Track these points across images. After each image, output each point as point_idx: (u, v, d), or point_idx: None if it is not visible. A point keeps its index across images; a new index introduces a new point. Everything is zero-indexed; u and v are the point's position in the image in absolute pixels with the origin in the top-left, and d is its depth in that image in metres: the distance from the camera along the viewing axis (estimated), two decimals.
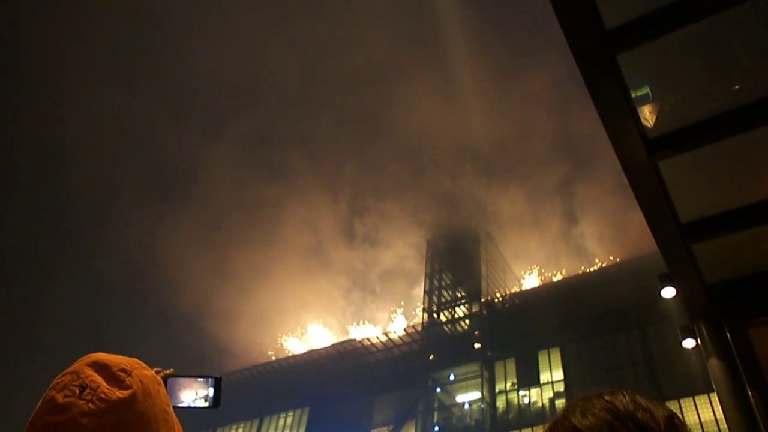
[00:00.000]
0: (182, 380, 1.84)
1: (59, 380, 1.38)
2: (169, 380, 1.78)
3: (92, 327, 78.54)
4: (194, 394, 1.84)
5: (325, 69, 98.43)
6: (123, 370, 1.41)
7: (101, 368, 1.40)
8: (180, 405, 1.81)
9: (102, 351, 1.51)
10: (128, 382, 1.39)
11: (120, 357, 1.48)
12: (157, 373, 1.65)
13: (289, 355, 58.17)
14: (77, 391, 1.34)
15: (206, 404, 1.84)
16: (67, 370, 1.41)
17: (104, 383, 1.37)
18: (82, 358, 1.45)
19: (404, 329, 49.31)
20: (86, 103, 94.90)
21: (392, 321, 59.19)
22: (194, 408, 1.84)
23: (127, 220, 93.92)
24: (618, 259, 47.12)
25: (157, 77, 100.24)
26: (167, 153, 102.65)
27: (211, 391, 1.85)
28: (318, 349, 54.49)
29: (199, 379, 1.86)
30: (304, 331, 64.72)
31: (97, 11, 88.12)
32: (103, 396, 1.34)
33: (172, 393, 1.76)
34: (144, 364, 1.52)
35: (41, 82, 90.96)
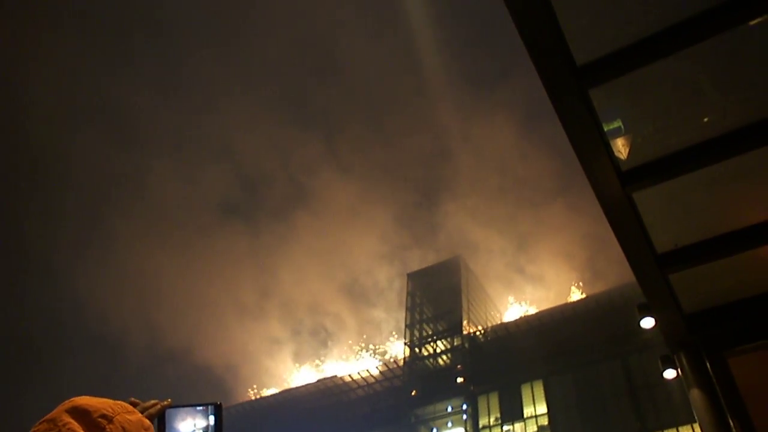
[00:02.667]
0: (181, 411, 1.76)
1: (36, 429, 1.29)
2: (168, 411, 1.69)
3: None
4: (193, 425, 1.76)
5: None
6: (104, 416, 1.32)
7: (81, 415, 1.32)
8: None
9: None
10: (109, 430, 1.30)
11: (103, 401, 1.39)
12: (153, 405, 1.57)
13: (268, 394, 56.92)
14: None
15: None
16: (45, 417, 1.32)
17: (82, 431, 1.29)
18: (63, 402, 1.36)
19: (385, 364, 48.66)
20: None
21: (376, 353, 58.47)
22: None
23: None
24: (598, 290, 47.42)
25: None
26: None
27: (211, 420, 1.77)
28: (298, 387, 53.42)
29: (198, 408, 1.78)
30: (284, 368, 63.60)
31: None
32: None
33: (170, 424, 1.69)
34: (130, 408, 1.43)
35: None
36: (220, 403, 1.82)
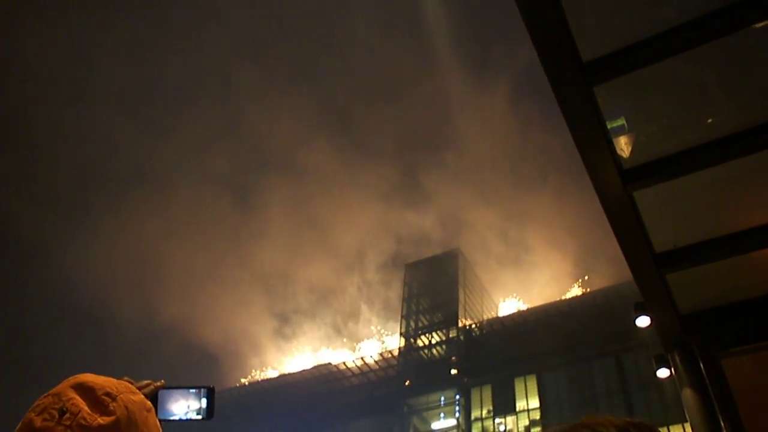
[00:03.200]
0: (174, 392, 1.78)
1: (40, 402, 1.30)
2: (160, 392, 1.70)
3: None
4: (186, 407, 1.77)
5: None
6: (108, 394, 1.33)
7: (85, 391, 1.32)
8: (172, 418, 1.75)
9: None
10: (112, 408, 1.30)
11: (108, 379, 1.39)
12: (147, 386, 1.58)
13: (263, 378, 57.20)
14: (56, 415, 1.26)
15: (199, 416, 1.78)
16: (50, 392, 1.33)
17: (86, 408, 1.28)
18: (68, 378, 1.36)
19: (380, 353, 48.87)
20: None
21: (373, 339, 58.72)
22: (187, 420, 1.77)
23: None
24: (595, 287, 47.54)
25: None
26: None
27: (203, 402, 1.79)
28: (293, 373, 53.67)
29: (191, 391, 1.80)
30: (279, 353, 63.88)
31: None
32: (83, 422, 1.25)
33: (163, 406, 1.69)
34: (134, 388, 1.44)
35: None
36: (213, 387, 1.84)
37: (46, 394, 1.32)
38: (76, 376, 1.38)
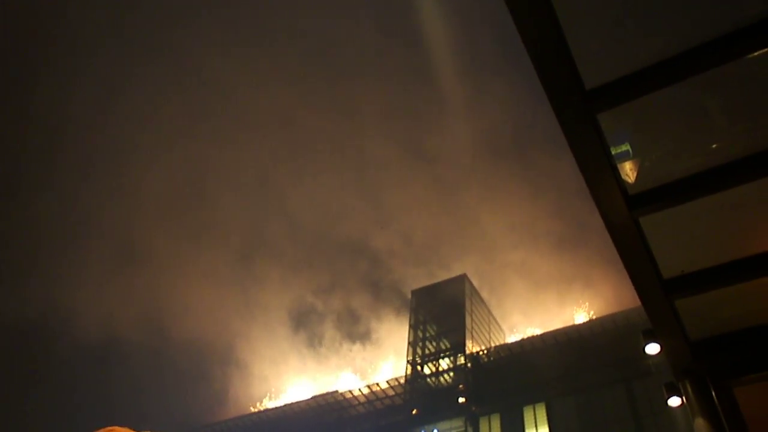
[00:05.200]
0: None
1: None
2: None
3: None
4: None
5: None
6: None
7: None
8: None
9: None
10: None
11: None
12: None
13: (268, 408, 56.56)
14: None
15: None
16: None
17: None
18: (101, 429, 1.48)
19: (387, 381, 48.30)
20: None
21: (376, 371, 58.14)
22: None
23: None
24: (604, 313, 47.04)
25: None
26: None
27: None
28: (298, 402, 53.05)
29: None
30: (283, 382, 63.31)
31: None
32: None
33: None
34: None
35: None
36: None
37: None
38: (109, 428, 1.49)
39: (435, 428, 42.50)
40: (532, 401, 39.13)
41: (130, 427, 1.58)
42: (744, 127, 4.97)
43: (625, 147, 5.06)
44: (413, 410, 44.47)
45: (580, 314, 52.73)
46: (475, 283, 55.78)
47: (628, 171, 5.15)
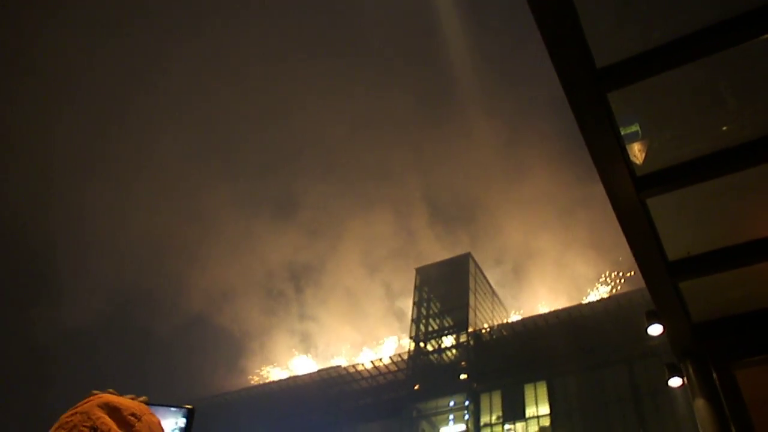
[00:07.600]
0: (156, 409, 1.79)
1: (68, 419, 1.35)
2: None
3: None
4: (174, 423, 1.80)
5: None
6: (133, 415, 1.41)
7: (112, 411, 1.40)
8: None
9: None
10: (138, 428, 1.39)
11: (129, 401, 1.48)
12: (132, 399, 1.62)
13: (271, 380, 57.31)
14: None
15: None
16: (76, 410, 1.38)
17: (115, 427, 1.36)
18: (91, 397, 1.43)
19: (390, 357, 48.78)
20: None
21: (380, 345, 58.66)
22: None
23: None
24: (607, 294, 47.14)
25: None
26: None
27: (182, 422, 1.80)
28: (302, 375, 53.71)
29: (173, 409, 1.81)
30: (291, 353, 64.01)
31: None
32: None
33: None
34: (150, 410, 1.52)
35: None
36: (193, 408, 1.86)
37: (73, 412, 1.37)
38: (99, 395, 1.44)
39: (436, 404, 43.00)
40: (533, 379, 39.46)
41: (114, 391, 1.53)
42: (755, 109, 4.92)
43: (635, 128, 5.02)
44: (415, 386, 44.96)
45: (583, 295, 52.89)
46: (481, 261, 55.95)
47: (637, 152, 5.12)
